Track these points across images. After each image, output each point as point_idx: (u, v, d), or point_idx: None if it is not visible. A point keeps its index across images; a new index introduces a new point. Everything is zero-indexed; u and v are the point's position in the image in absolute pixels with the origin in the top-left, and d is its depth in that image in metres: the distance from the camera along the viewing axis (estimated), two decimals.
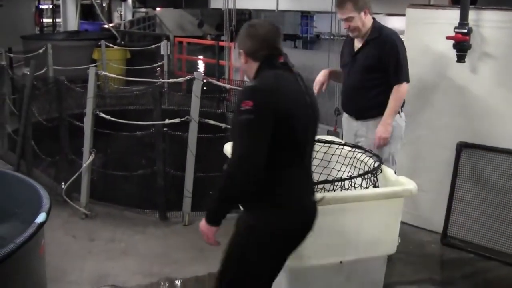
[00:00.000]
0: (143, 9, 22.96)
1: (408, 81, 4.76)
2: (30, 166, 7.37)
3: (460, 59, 5.17)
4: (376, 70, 4.74)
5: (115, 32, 16.44)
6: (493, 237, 5.26)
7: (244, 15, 19.14)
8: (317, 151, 4.56)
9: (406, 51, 4.76)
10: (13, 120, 8.69)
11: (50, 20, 25.20)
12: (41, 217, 3.28)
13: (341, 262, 3.83)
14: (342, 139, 4.96)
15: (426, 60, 5.46)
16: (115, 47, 14.59)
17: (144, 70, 12.88)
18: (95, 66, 9.37)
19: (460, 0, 5.13)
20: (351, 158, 4.41)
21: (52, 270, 4.64)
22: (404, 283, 4.71)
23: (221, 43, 13.91)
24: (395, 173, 4.40)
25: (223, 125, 6.20)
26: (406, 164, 5.44)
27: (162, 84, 9.01)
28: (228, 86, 9.21)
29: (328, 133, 8.39)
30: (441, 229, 5.52)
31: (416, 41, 5.49)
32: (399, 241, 4.28)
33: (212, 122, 6.13)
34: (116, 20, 23.64)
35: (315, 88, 4.87)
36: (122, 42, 15.97)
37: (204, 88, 6.41)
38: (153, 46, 13.73)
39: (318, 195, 3.31)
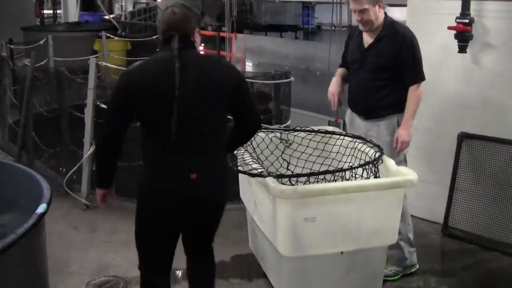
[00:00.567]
0: (144, 0, 22.93)
1: (424, 79, 4.50)
2: (31, 157, 7.36)
3: (462, 49, 5.16)
4: (389, 69, 4.45)
5: (115, 23, 16.41)
6: (494, 228, 5.27)
7: (245, 6, 19.12)
8: (318, 142, 4.58)
9: (418, 49, 4.49)
10: (14, 111, 8.68)
11: (51, 11, 25.16)
12: (41, 208, 3.27)
13: (342, 252, 3.84)
14: (344, 130, 4.94)
15: (427, 51, 5.43)
16: (116, 38, 14.54)
17: None
18: (96, 57, 9.35)
19: None
20: (352, 148, 4.42)
21: (54, 261, 4.64)
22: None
23: (222, 34, 13.91)
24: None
25: None
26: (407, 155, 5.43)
27: None
28: None
29: (329, 123, 8.40)
30: (442, 219, 5.53)
31: (418, 31, 5.44)
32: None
33: None
34: (117, 11, 23.62)
35: (331, 102, 4.70)
36: (123, 33, 15.93)
37: None
38: (154, 37, 13.69)
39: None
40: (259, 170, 3.89)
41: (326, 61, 9.72)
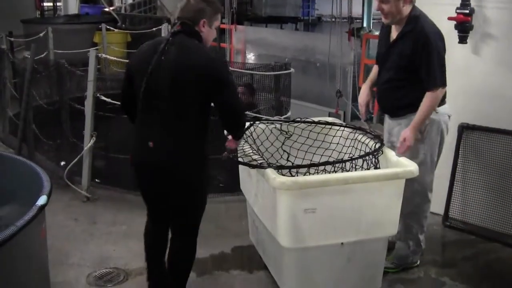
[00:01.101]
0: None
1: (443, 86, 4.25)
2: (31, 150, 7.36)
3: (462, 40, 5.16)
4: (408, 69, 4.26)
5: (115, 16, 16.37)
6: (494, 219, 5.28)
7: None
8: (318, 133, 4.58)
9: (443, 49, 4.25)
10: (14, 104, 8.67)
11: (51, 4, 25.04)
12: (41, 200, 3.28)
13: (342, 243, 3.84)
14: (344, 122, 4.93)
15: None
16: (116, 30, 14.50)
17: None
18: (96, 49, 9.33)
19: None
20: (352, 139, 4.41)
21: (54, 253, 4.66)
22: None
23: (222, 26, 13.85)
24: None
25: None
26: None
27: None
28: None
29: (330, 115, 8.40)
30: (442, 211, 5.53)
31: None
32: None
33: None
34: (117, 3, 23.52)
35: (361, 110, 4.62)
36: (123, 25, 15.90)
37: None
38: (154, 29, 13.65)
39: None
40: (259, 162, 3.89)
41: (326, 53, 9.68)
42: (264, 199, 3.99)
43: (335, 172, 4.00)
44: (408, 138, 4.20)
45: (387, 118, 4.66)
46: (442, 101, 4.41)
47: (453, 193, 5.51)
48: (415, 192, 4.33)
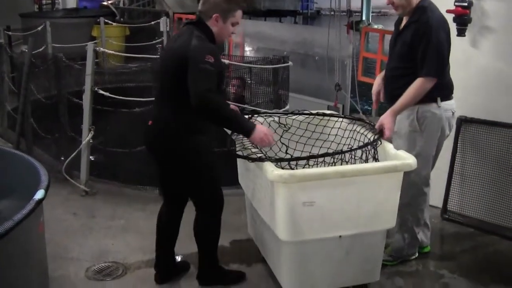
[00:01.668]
0: None
1: (437, 77, 4.13)
2: (30, 144, 7.36)
3: (460, 32, 5.14)
4: (409, 59, 4.21)
5: (114, 9, 16.38)
6: (493, 212, 5.28)
7: None
8: (316, 125, 4.57)
9: (446, 41, 4.16)
10: (12, 99, 8.68)
11: None
12: (39, 194, 3.28)
13: (340, 236, 3.83)
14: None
15: None
16: (114, 24, 14.51)
17: (143, 47, 12.82)
18: (95, 43, 9.32)
19: None
20: (351, 131, 4.41)
21: (53, 247, 4.66)
22: None
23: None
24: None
25: None
26: None
27: None
28: (227, 61, 9.15)
29: (328, 108, 8.39)
30: (441, 203, 5.53)
31: None
32: None
33: None
34: None
35: (374, 99, 4.60)
36: (121, 19, 15.91)
37: None
38: (152, 22, 13.65)
39: None
40: (258, 155, 3.89)
41: (325, 46, 9.67)
42: (262, 192, 3.98)
43: (334, 164, 3.99)
44: (387, 122, 4.16)
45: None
46: (447, 97, 4.35)
47: (452, 186, 5.51)
48: (409, 184, 4.26)
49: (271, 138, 3.91)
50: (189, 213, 4.28)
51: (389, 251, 4.59)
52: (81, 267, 4.61)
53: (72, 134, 6.69)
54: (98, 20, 13.76)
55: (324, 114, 4.67)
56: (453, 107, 4.41)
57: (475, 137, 5.36)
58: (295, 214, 3.65)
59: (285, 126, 4.59)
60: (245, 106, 6.38)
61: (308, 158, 3.85)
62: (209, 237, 4.25)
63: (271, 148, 4.40)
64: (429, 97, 4.22)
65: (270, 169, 3.60)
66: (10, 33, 11.92)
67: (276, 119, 4.65)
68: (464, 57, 5.27)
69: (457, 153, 5.45)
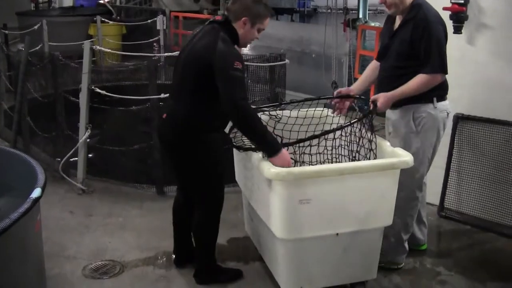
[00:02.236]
0: None
1: (444, 72, 4.13)
2: (27, 143, 7.36)
3: (457, 30, 5.14)
4: (411, 57, 4.15)
5: (110, 8, 16.35)
6: (490, 209, 5.29)
7: None
8: (307, 111, 4.57)
9: (445, 36, 4.14)
10: (9, 97, 8.66)
11: None
12: (36, 193, 3.28)
13: (337, 234, 3.84)
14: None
15: None
16: (111, 22, 14.47)
17: (140, 45, 12.81)
18: (91, 41, 9.30)
19: None
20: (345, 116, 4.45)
21: (50, 246, 4.67)
22: None
23: (217, 17, 13.82)
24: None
25: None
26: None
27: (158, 59, 8.98)
28: None
29: (325, 106, 8.38)
30: (438, 201, 5.54)
31: None
32: None
33: None
34: None
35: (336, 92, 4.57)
36: (118, 18, 15.87)
37: None
38: (149, 21, 13.64)
39: None
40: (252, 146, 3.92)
41: (322, 44, 9.70)
42: (259, 190, 3.99)
43: (332, 158, 3.99)
44: (381, 97, 4.14)
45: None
46: (442, 97, 4.30)
47: (449, 184, 5.51)
48: (402, 186, 4.05)
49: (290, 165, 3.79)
50: None
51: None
52: (78, 266, 4.61)
53: (69, 132, 6.68)
54: (95, 18, 13.72)
55: (311, 99, 4.71)
56: (448, 108, 4.36)
57: (472, 135, 5.36)
58: (292, 212, 3.65)
59: (276, 117, 4.55)
60: None
61: (297, 142, 3.85)
62: (208, 235, 4.27)
63: None
64: (425, 97, 4.19)
65: (267, 166, 3.61)
66: (6, 31, 11.90)
67: (267, 112, 4.62)
68: (461, 54, 5.27)
69: (454, 150, 5.45)
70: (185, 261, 4.54)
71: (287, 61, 6.90)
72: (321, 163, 4.25)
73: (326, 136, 3.90)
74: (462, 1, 5.04)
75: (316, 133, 4.01)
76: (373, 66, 4.62)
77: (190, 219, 4.31)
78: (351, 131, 3.99)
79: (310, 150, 4.06)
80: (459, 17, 5.09)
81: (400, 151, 3.95)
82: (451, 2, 5.06)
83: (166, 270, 4.57)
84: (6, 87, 8.82)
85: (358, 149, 3.96)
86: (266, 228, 3.97)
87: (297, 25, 21.78)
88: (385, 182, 3.85)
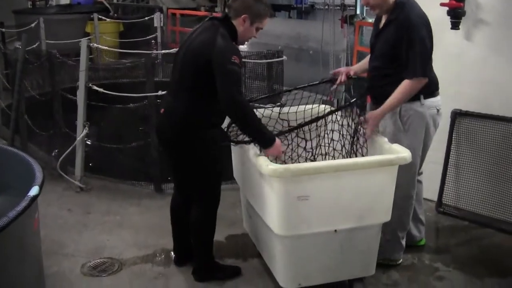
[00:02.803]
0: None
1: (423, 76, 4.04)
2: (25, 141, 7.35)
3: (455, 26, 5.14)
4: (392, 60, 4.13)
5: (107, 5, 16.32)
6: (488, 205, 5.29)
7: None
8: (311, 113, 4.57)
9: (428, 37, 4.04)
10: (6, 95, 8.65)
11: None
12: (34, 191, 3.27)
13: (335, 230, 3.84)
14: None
15: None
16: (108, 20, 14.45)
17: (137, 43, 12.78)
18: (89, 39, 9.29)
19: None
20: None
21: (48, 244, 4.67)
22: None
23: (215, 15, 13.81)
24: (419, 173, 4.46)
25: None
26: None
27: (155, 56, 8.98)
28: None
29: (323, 102, 8.36)
30: (436, 197, 5.54)
31: None
32: None
33: None
34: None
35: (334, 72, 4.73)
36: (115, 15, 15.84)
37: None
38: (146, 18, 13.61)
39: None
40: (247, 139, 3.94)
41: (319, 40, 9.67)
42: (257, 187, 3.99)
43: (330, 152, 3.98)
44: (373, 118, 4.15)
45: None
46: (431, 94, 4.26)
47: (447, 179, 5.52)
48: (396, 186, 4.02)
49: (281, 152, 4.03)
50: None
51: None
52: (77, 263, 4.61)
53: (66, 130, 6.67)
54: (92, 16, 13.70)
55: (300, 87, 4.80)
56: (438, 104, 4.31)
57: (469, 131, 5.36)
58: (290, 208, 3.66)
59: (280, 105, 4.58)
60: None
61: (288, 131, 3.97)
62: (205, 232, 4.28)
63: None
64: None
65: (265, 163, 3.61)
66: (3, 29, 11.86)
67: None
68: (458, 50, 5.27)
69: (452, 146, 5.45)
70: (185, 259, 4.53)
71: (284, 57, 6.89)
72: (315, 158, 4.27)
73: (318, 129, 3.92)
74: None
75: (313, 130, 4.04)
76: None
77: (188, 217, 4.31)
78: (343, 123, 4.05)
79: (305, 144, 4.12)
80: (456, 13, 5.09)
81: (398, 147, 3.94)
82: None
83: (164, 267, 4.57)
84: (3, 85, 8.82)
85: (353, 144, 3.99)
86: (264, 225, 3.97)
87: (294, 21, 21.70)
88: (383, 179, 3.85)
